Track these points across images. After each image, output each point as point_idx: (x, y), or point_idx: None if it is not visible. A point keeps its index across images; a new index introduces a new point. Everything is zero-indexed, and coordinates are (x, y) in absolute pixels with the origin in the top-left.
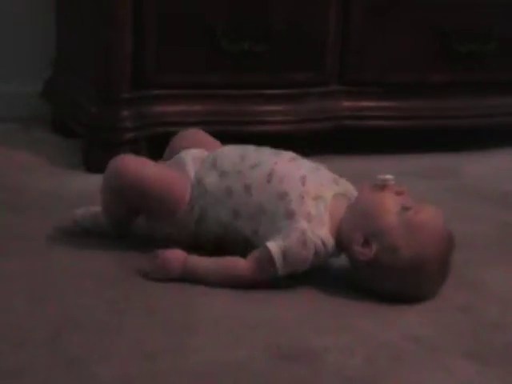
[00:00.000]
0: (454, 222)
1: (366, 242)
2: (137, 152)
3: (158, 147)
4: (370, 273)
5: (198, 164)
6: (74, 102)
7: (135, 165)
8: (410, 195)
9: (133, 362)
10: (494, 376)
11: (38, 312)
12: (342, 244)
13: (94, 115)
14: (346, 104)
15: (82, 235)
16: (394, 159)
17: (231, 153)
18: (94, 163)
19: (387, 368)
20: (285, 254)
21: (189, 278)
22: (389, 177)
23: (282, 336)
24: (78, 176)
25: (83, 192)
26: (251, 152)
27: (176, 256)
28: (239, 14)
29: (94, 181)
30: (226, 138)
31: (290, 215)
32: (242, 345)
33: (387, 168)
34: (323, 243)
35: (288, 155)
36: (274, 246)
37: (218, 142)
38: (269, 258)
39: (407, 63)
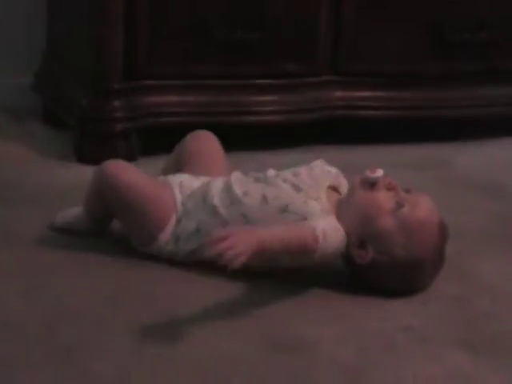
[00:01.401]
0: (447, 212)
1: (363, 245)
2: (129, 143)
3: (149, 138)
4: (367, 272)
5: (185, 192)
6: (65, 93)
7: (126, 175)
8: (401, 185)
9: (126, 353)
10: (486, 365)
11: (32, 305)
12: None
13: (85, 106)
14: (339, 94)
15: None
16: (386, 150)
17: (219, 185)
18: (85, 154)
19: (380, 358)
20: (325, 233)
21: (258, 256)
22: (378, 173)
23: (275, 326)
24: (70, 167)
25: (75, 183)
26: (239, 181)
27: (247, 236)
28: (232, 5)
29: (86, 172)
30: (218, 129)
31: (303, 217)
32: (235, 335)
33: (380, 159)
34: (344, 234)
35: (271, 172)
36: (315, 224)
37: (221, 152)
38: (312, 233)
39: (400, 53)
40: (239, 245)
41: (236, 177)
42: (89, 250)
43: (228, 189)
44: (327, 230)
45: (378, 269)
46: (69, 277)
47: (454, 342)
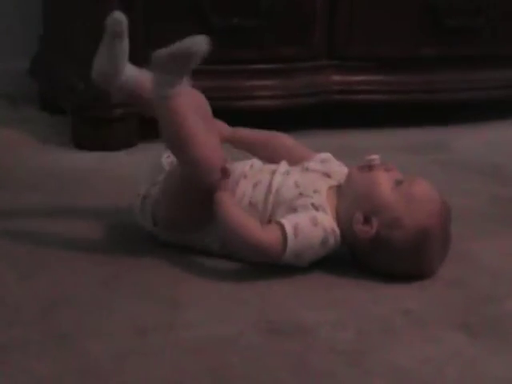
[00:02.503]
0: (445, 195)
1: (367, 220)
2: (127, 128)
3: (148, 123)
4: (372, 251)
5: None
6: (62, 78)
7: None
8: (399, 170)
9: (123, 338)
10: (485, 348)
11: (30, 289)
12: (342, 231)
13: (81, 92)
14: (335, 78)
15: (73, 212)
16: (383, 134)
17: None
18: (83, 140)
19: (379, 341)
20: (296, 229)
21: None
22: (373, 156)
23: (272, 311)
24: (67, 153)
25: (73, 169)
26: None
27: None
28: None
29: (84, 157)
30: (215, 114)
31: (295, 209)
32: (232, 320)
33: (377, 143)
34: (332, 230)
35: (282, 167)
36: (286, 221)
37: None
38: (281, 231)
39: (396, 37)
40: None
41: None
42: (87, 235)
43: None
44: (303, 225)
45: (386, 245)
46: (67, 261)
47: (453, 325)
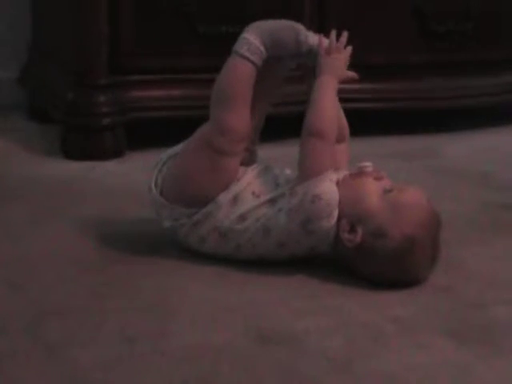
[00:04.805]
0: (434, 202)
1: (353, 228)
2: (115, 137)
3: (136, 132)
4: (358, 259)
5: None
6: (51, 87)
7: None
8: (390, 178)
9: (113, 346)
10: (474, 354)
11: (19, 298)
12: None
13: (70, 101)
14: None
15: (61, 221)
16: (373, 141)
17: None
18: (71, 149)
19: (367, 348)
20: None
21: None
22: (366, 164)
23: (262, 318)
24: (56, 162)
25: (61, 178)
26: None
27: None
28: None
29: (72, 166)
30: (204, 122)
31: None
32: (222, 328)
33: (367, 150)
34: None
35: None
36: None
37: None
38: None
39: (385, 44)
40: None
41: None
42: (76, 243)
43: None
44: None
45: (371, 254)
46: (56, 269)
47: (442, 332)
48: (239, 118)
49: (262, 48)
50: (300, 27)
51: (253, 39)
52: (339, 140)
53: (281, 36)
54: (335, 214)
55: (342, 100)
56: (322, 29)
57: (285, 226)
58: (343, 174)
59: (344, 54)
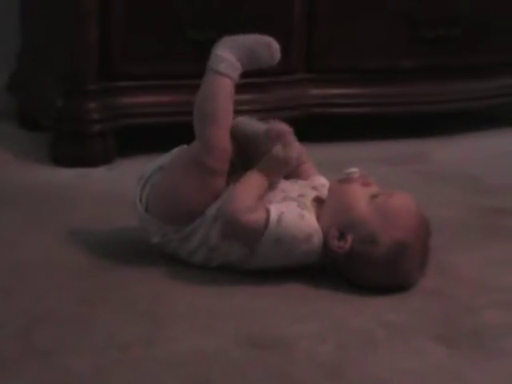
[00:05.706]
0: (425, 206)
1: (342, 236)
2: (105, 144)
3: (126, 139)
4: (352, 268)
5: None
6: (40, 94)
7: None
8: (378, 184)
9: (105, 353)
10: (465, 359)
11: (10, 305)
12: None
13: (60, 108)
14: (314, 92)
15: (51, 229)
16: (363, 146)
17: None
18: (61, 156)
19: (359, 354)
20: (280, 217)
21: None
22: (353, 170)
23: (253, 325)
24: (46, 170)
25: (52, 185)
26: None
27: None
28: (207, 3)
29: (62, 173)
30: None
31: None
32: (213, 334)
33: (356, 155)
34: (317, 229)
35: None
36: (273, 207)
37: None
38: (266, 214)
39: (375, 49)
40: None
41: None
42: (67, 250)
43: None
44: (289, 215)
45: (361, 260)
46: (47, 276)
47: (433, 337)
48: (225, 134)
49: (238, 64)
50: (270, 39)
51: (228, 56)
52: (301, 163)
53: (254, 49)
54: (313, 235)
55: (332, 105)
56: (312, 35)
57: (267, 253)
58: (322, 180)
59: (291, 153)
